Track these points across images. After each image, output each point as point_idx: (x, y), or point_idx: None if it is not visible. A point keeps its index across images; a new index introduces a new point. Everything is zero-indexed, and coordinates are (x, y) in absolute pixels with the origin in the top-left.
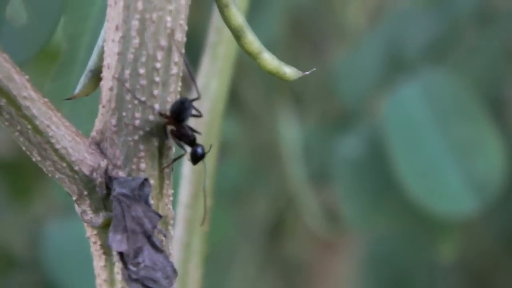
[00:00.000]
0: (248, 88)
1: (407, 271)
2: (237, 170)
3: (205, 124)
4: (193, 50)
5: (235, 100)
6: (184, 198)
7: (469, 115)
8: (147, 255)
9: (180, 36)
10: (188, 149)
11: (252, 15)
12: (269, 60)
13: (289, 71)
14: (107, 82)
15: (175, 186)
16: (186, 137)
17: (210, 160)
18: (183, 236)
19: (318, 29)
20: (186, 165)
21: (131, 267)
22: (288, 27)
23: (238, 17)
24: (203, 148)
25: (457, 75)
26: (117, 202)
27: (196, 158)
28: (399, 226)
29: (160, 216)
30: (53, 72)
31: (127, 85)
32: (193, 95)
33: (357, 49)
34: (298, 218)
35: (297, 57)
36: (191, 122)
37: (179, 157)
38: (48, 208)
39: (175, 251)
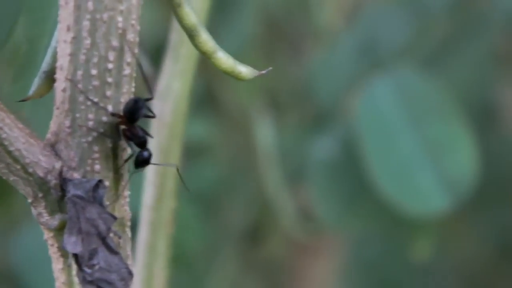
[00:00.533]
0: (224, 89)
1: (393, 274)
2: (214, 172)
3: (168, 125)
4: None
5: (212, 102)
6: (148, 201)
7: (442, 114)
8: (102, 257)
9: (132, 36)
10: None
11: (226, 14)
12: (224, 59)
13: (245, 70)
14: (60, 83)
15: (140, 189)
16: (137, 138)
17: (173, 162)
18: (147, 239)
19: (295, 30)
20: (150, 167)
21: (85, 269)
22: (265, 27)
23: (191, 16)
24: (150, 154)
25: (430, 73)
26: (72, 204)
27: (140, 162)
28: (375, 226)
29: (115, 218)
30: (12, 75)
31: (80, 86)
32: (154, 96)
33: (333, 49)
34: (276, 221)
35: (274, 58)
36: (154, 123)
37: (129, 157)
38: (23, 216)
39: (139, 253)
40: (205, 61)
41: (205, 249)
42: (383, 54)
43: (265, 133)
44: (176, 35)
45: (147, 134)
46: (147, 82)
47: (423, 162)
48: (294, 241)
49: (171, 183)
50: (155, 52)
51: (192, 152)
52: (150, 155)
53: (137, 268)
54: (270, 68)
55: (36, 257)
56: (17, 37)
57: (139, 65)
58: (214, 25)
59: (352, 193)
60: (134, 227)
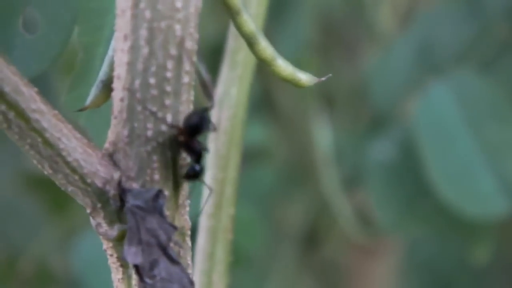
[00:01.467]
0: (281, 93)
1: (450, 275)
2: (272, 176)
3: (226, 131)
4: (220, 57)
5: (269, 106)
6: (207, 208)
7: (500, 116)
8: (163, 267)
9: (191, 45)
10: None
11: (283, 19)
12: (283, 66)
13: (304, 78)
14: (118, 92)
15: (198, 196)
16: (194, 152)
17: (232, 169)
18: (206, 246)
19: (352, 32)
20: (208, 175)
21: (147, 279)
22: (321, 30)
23: (250, 24)
24: (201, 168)
25: (489, 76)
26: (131, 214)
27: (190, 175)
28: (433, 229)
29: (175, 228)
30: (68, 83)
31: (138, 95)
32: (212, 104)
33: (389, 51)
34: (334, 224)
35: (331, 61)
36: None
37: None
38: (84, 222)
39: (198, 261)
40: (261, 64)
41: (264, 251)
42: (440, 57)
43: (323, 136)
44: (233, 41)
45: (204, 148)
46: (208, 90)
47: (483, 165)
48: (352, 243)
49: (230, 190)
50: (212, 58)
51: (251, 156)
52: (201, 169)
53: (196, 276)
54: (330, 74)
55: (96, 264)
56: (73, 46)
57: (198, 73)
58: (271, 29)
59: (410, 196)
60: (193, 235)
